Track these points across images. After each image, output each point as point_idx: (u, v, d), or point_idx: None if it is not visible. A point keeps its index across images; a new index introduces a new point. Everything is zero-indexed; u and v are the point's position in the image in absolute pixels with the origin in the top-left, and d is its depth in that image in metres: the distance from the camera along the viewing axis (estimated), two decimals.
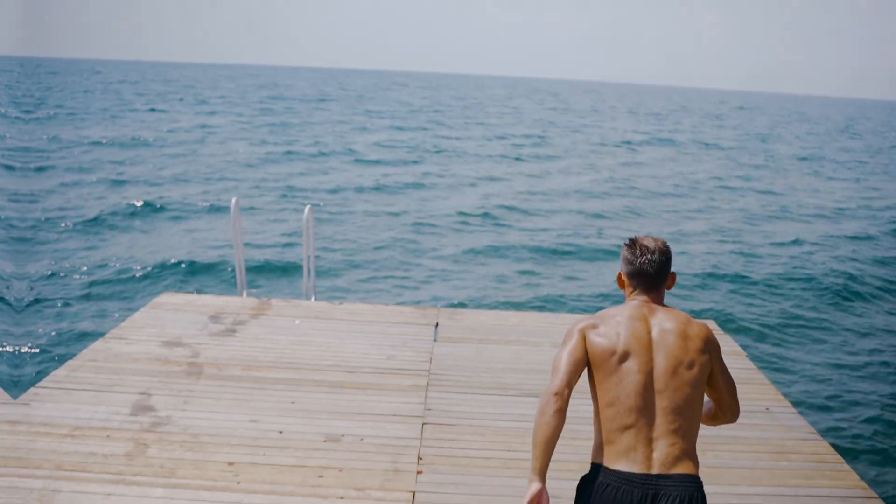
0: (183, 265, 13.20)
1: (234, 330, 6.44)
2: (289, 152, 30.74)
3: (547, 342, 6.49)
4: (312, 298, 7.63)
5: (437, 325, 6.87)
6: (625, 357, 2.56)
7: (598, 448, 2.60)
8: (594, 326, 2.65)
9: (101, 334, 6.47)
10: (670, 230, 18.06)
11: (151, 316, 6.71)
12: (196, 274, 12.81)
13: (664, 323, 2.64)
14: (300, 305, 7.21)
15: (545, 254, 15.39)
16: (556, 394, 2.53)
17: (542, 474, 2.50)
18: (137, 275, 12.67)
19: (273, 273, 12.95)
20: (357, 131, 42.13)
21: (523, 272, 13.93)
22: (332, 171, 26.47)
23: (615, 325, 2.63)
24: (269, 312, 6.94)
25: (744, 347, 7.04)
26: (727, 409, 2.79)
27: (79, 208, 17.89)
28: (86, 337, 9.00)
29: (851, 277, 13.74)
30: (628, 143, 43.53)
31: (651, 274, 2.72)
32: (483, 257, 15.01)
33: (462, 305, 10.86)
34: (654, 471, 2.48)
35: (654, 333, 2.62)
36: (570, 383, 2.57)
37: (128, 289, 12.08)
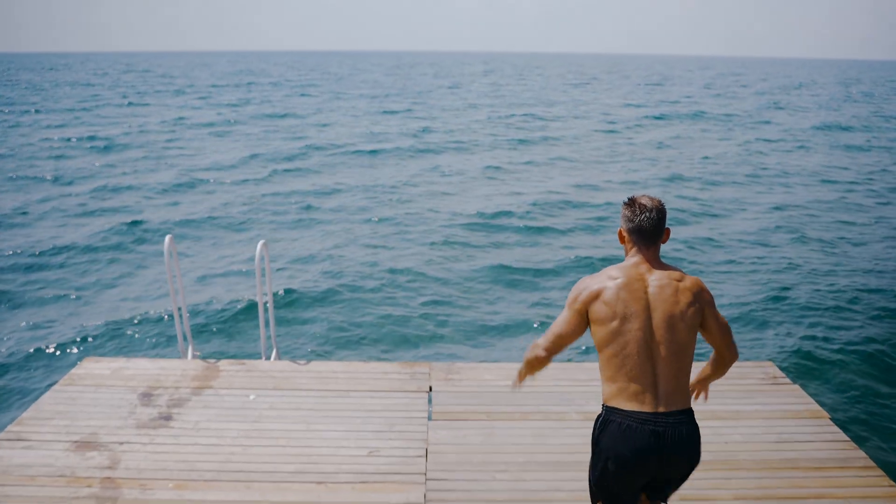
0: (114, 317, 10.40)
1: (169, 416, 4.97)
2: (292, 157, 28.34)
3: (574, 411, 5.08)
4: (273, 357, 6.15)
5: (430, 389, 5.43)
6: (626, 318, 2.97)
7: (611, 394, 3.01)
8: (596, 297, 3.02)
9: None
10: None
11: (64, 398, 5.22)
12: (130, 327, 9.97)
13: (660, 280, 3.02)
14: (256, 369, 5.72)
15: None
16: (539, 357, 3.17)
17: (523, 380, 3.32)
18: (54, 334, 9.82)
19: (229, 321, 10.17)
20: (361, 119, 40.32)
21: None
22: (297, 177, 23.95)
23: (616, 289, 3.00)
24: (216, 383, 5.46)
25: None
26: (724, 349, 3.19)
27: None
28: None
29: None
30: (658, 117, 41.64)
31: (648, 229, 3.07)
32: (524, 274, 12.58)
33: (459, 356, 8.98)
34: (660, 409, 2.93)
35: (651, 291, 3.01)
36: (553, 351, 3.14)
37: (36, 357, 9.09)
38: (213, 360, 5.90)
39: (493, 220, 16.44)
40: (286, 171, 23.27)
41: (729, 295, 11.24)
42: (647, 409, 2.92)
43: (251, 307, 10.09)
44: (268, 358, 6.08)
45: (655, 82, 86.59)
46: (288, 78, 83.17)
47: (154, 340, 9.52)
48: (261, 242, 5.92)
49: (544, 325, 9.82)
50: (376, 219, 16.72)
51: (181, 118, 38.62)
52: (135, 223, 15.61)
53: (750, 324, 10.05)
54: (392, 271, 12.56)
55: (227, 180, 21.32)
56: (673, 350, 2.96)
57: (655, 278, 3.02)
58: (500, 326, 10.08)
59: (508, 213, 16.98)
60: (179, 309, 6.18)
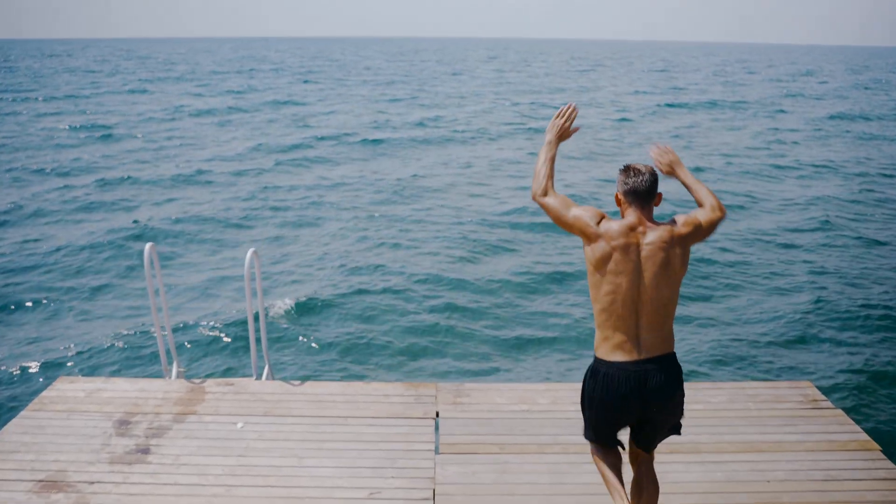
0: (95, 330, 9.66)
1: (146, 449, 4.47)
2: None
3: None
4: (265, 375, 5.64)
5: (437, 415, 4.93)
6: (617, 274, 3.23)
7: (598, 343, 3.35)
8: (599, 237, 3.27)
9: None
10: None
11: (31, 427, 4.72)
12: (112, 341, 9.20)
13: (651, 242, 3.25)
14: (245, 391, 5.22)
15: None
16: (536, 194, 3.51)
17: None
18: (26, 349, 9.06)
19: (219, 335, 9.38)
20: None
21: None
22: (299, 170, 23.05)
23: (610, 237, 3.25)
24: (200, 408, 4.96)
25: None
26: (712, 210, 3.40)
27: None
28: None
29: None
30: (671, 105, 40.81)
31: (643, 191, 3.31)
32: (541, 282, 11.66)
33: (468, 372, 8.35)
34: (642, 357, 3.25)
35: (643, 253, 3.25)
36: (547, 196, 3.47)
37: (4, 377, 8.37)
38: (198, 380, 5.40)
39: (506, 218, 15.56)
40: (289, 161, 22.52)
41: (758, 303, 10.59)
42: (629, 357, 3.24)
43: (244, 321, 9.31)
44: (259, 377, 5.57)
45: (661, 69, 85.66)
46: (289, 65, 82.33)
47: (137, 357, 8.85)
48: (250, 251, 5.41)
49: (563, 340, 9.24)
50: (381, 217, 15.90)
51: (182, 106, 38.01)
52: (125, 223, 14.90)
53: (783, 337, 9.38)
54: (397, 276, 11.80)
55: (227, 173, 20.66)
56: (657, 306, 3.25)
57: (648, 240, 3.25)
58: (513, 340, 9.38)
59: (522, 210, 15.98)
60: (162, 324, 5.66)
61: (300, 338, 9.46)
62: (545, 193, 3.44)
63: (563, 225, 3.39)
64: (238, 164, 22.20)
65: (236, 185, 19.16)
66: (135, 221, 14.93)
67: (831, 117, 36.35)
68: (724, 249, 13.15)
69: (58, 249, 13.13)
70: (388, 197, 17.97)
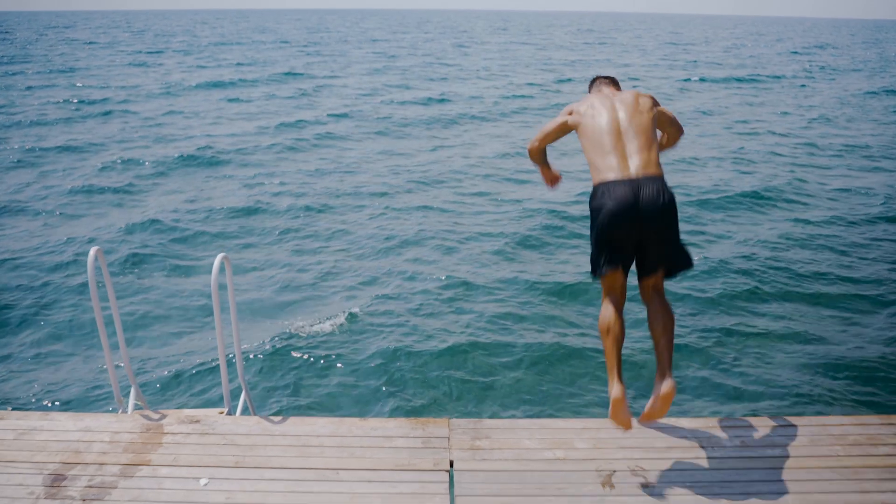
0: (40, 350, 8.37)
1: None
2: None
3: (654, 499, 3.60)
4: (239, 408, 4.66)
5: (451, 465, 3.95)
6: (597, 116, 4.00)
7: (595, 175, 3.93)
8: (577, 109, 4.14)
9: None
10: None
11: None
12: (59, 363, 7.96)
13: (621, 95, 4.15)
14: (214, 431, 4.22)
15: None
16: (532, 148, 4.37)
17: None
18: None
19: (189, 357, 8.02)
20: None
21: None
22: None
23: (589, 102, 4.12)
24: (156, 457, 3.97)
25: None
26: (673, 129, 4.28)
27: None
28: None
29: None
30: (702, 80, 39.27)
31: (605, 78, 4.43)
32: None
33: (487, 400, 7.21)
34: (633, 175, 3.81)
35: (615, 99, 4.09)
36: (542, 141, 4.32)
37: None
38: (157, 416, 4.42)
39: (536, 219, 13.61)
40: (289, 148, 20.76)
41: (830, 317, 9.35)
42: (624, 175, 3.80)
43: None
44: (232, 411, 4.59)
45: (670, 41, 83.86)
46: (287, 38, 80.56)
47: (90, 384, 7.54)
48: (219, 256, 4.40)
49: (600, 363, 8.01)
50: (388, 212, 14.26)
51: (182, 80, 36.73)
52: (96, 220, 13.40)
53: (868, 360, 8.15)
54: (403, 286, 10.36)
55: (223, 158, 19.16)
56: (637, 130, 3.91)
57: (619, 95, 4.15)
58: (539, 362, 8.09)
59: (556, 213, 13.86)
60: (115, 344, 4.66)
61: (283, 360, 8.17)
62: (538, 143, 4.35)
63: (553, 135, 4.27)
64: (239, 144, 21.00)
65: (230, 172, 17.91)
66: (101, 221, 13.54)
67: (869, 93, 34.78)
68: (778, 248, 11.92)
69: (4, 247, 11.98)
70: (402, 185, 16.37)
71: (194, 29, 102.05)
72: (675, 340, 4.48)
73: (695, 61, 53.20)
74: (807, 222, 13.60)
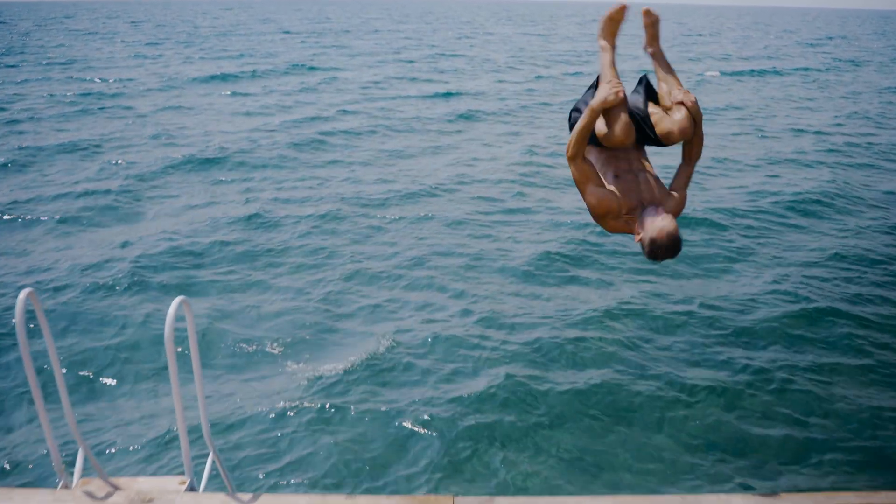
0: None
1: None
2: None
3: None
4: (203, 483, 3.92)
5: None
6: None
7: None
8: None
9: None
10: None
11: None
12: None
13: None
14: None
15: None
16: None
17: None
18: None
19: (153, 419, 7.07)
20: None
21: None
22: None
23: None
24: None
25: None
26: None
27: None
28: None
29: None
30: (729, 73, 38.42)
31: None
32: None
33: (495, 469, 6.43)
34: None
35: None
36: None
37: None
38: (105, 492, 3.67)
39: (562, 233, 12.32)
40: (286, 154, 19.25)
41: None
42: None
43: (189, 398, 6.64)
44: (195, 486, 3.84)
45: (680, 33, 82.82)
46: (287, 28, 79.68)
47: (30, 449, 6.57)
48: (177, 300, 3.65)
49: (625, 419, 7.19)
50: (391, 228, 12.70)
51: (178, 74, 35.89)
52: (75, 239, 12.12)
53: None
54: (403, 331, 9.09)
55: (217, 161, 17.88)
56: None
57: None
58: (562, 429, 7.15)
59: (587, 227, 12.29)
60: (54, 406, 3.91)
61: (258, 421, 7.15)
62: (574, 157, 3.63)
63: (582, 194, 3.69)
64: (238, 146, 20.07)
65: (221, 177, 17.03)
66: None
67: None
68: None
69: None
70: (407, 194, 14.98)
71: (195, 19, 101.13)
72: None
73: (709, 53, 52.33)
74: None
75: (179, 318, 3.74)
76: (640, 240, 3.59)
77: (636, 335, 9.20)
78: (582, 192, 3.67)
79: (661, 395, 7.76)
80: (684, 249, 10.29)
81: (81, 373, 8.22)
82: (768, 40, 70.56)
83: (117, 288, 10.46)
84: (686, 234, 11.31)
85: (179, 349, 7.80)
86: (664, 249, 3.51)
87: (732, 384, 7.99)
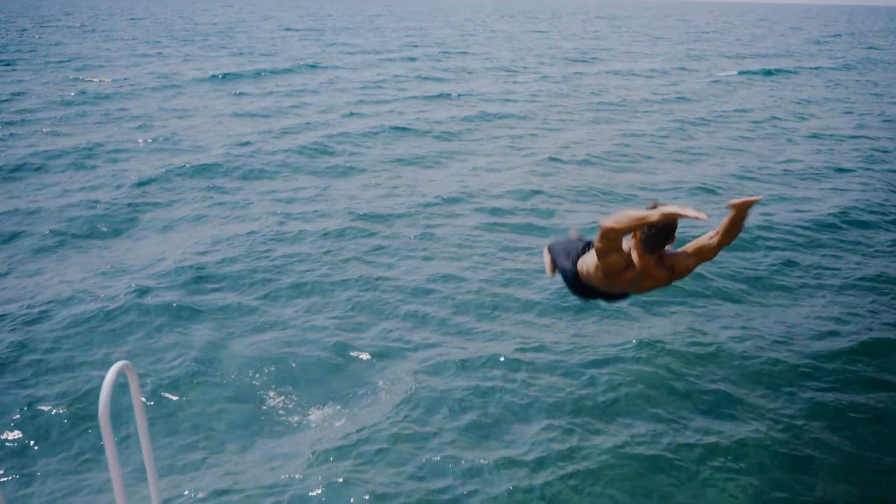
0: None
1: None
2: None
3: None
4: None
5: None
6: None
7: None
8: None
9: None
10: None
11: None
12: None
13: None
14: None
15: None
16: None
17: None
18: None
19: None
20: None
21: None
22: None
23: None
24: None
25: None
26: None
27: None
28: None
29: None
30: (752, 73, 37.65)
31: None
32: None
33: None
34: None
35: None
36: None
37: None
38: None
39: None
40: (285, 163, 18.07)
41: None
42: None
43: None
44: None
45: (687, 30, 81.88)
46: (286, 24, 78.65)
47: None
48: (117, 365, 2.92)
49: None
50: (399, 250, 11.65)
51: (174, 73, 34.98)
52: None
53: None
54: (407, 396, 8.03)
55: (217, 175, 16.65)
56: None
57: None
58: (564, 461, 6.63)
59: None
60: None
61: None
62: (611, 237, 3.94)
63: (606, 244, 3.96)
64: (237, 151, 19.26)
65: (212, 190, 16.19)
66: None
67: None
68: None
69: None
70: (416, 209, 13.93)
71: (194, 16, 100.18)
72: None
73: (723, 52, 51.44)
74: None
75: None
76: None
77: (672, 368, 8.42)
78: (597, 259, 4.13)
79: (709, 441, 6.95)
80: (727, 268, 9.67)
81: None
82: (776, 38, 69.66)
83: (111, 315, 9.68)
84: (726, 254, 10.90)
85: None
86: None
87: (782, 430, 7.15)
